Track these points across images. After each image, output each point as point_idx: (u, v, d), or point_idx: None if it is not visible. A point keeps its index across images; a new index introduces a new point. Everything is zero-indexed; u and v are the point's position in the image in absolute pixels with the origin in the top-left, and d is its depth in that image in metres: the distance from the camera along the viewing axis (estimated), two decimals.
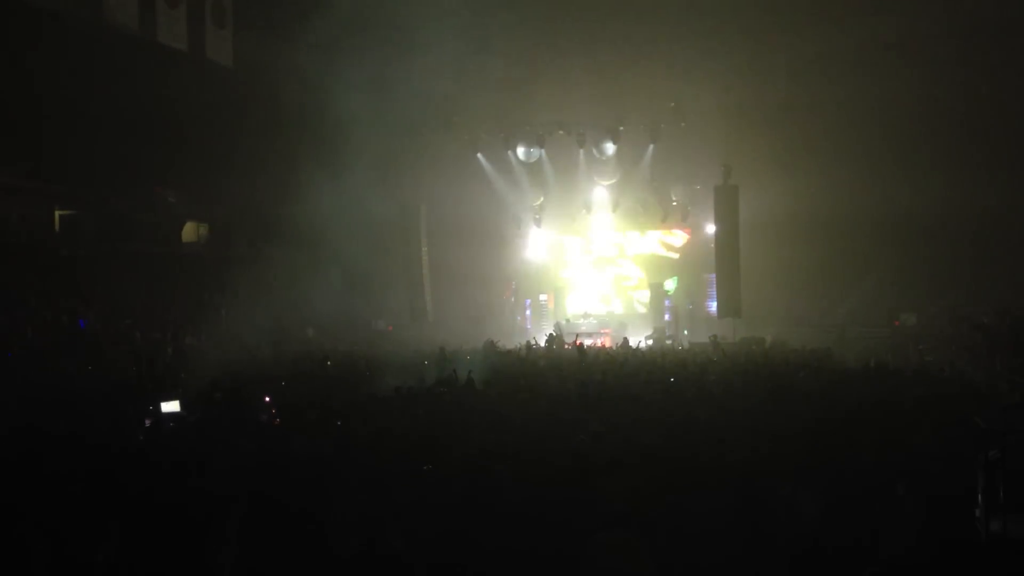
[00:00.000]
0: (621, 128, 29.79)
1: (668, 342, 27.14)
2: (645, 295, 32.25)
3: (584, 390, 12.11)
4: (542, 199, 32.53)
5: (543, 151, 30.95)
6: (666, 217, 31.70)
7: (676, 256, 32.26)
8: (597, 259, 33.46)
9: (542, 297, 33.03)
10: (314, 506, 5.96)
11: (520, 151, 31.09)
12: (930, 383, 13.02)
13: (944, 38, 23.10)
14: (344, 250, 23.72)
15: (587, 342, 25.32)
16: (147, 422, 9.69)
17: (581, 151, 30.77)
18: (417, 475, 6.65)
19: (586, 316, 31.45)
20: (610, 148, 30.28)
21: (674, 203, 31.26)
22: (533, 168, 31.61)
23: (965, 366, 16.58)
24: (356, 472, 6.81)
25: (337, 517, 5.87)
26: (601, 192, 32.09)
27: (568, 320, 30.68)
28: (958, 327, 20.76)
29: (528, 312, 32.98)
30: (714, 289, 29.33)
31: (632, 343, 24.69)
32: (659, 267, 32.39)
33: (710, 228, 29.67)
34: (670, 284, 31.40)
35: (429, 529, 5.56)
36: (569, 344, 24.85)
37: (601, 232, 33.10)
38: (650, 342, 27.00)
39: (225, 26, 25.10)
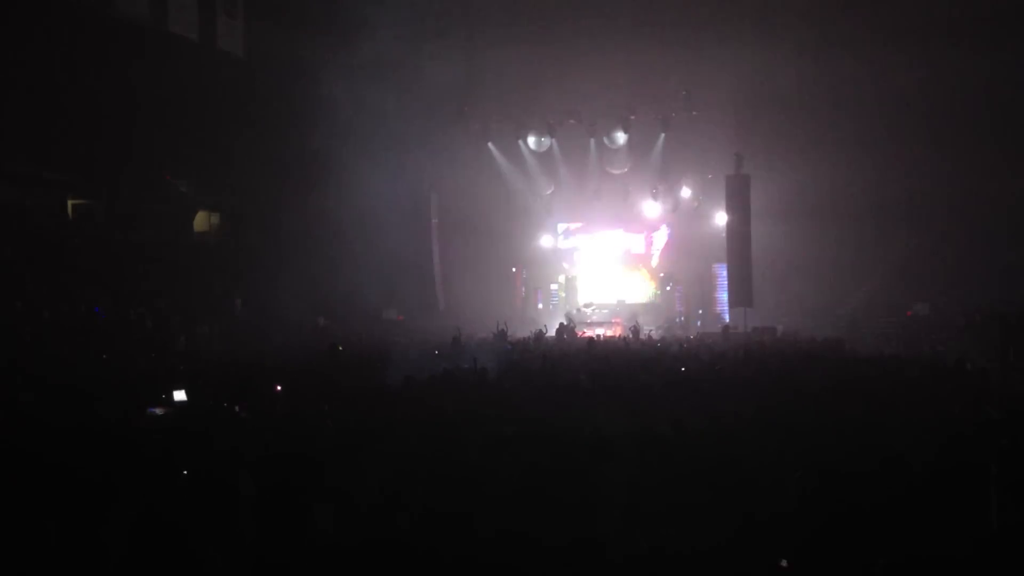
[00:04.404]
0: (632, 117, 29.72)
1: (679, 332, 27.08)
2: (656, 285, 32.18)
3: (595, 381, 12.07)
4: (553, 188, 32.48)
5: (554, 140, 30.92)
6: (677, 207, 31.58)
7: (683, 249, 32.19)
8: (608, 249, 33.36)
9: (553, 287, 33.03)
10: (320, 494, 5.98)
11: (531, 140, 31.08)
12: (943, 374, 12.93)
13: (957, 23, 22.84)
14: (355, 239, 23.77)
15: (598, 331, 25.27)
16: (158, 411, 9.72)
17: (592, 140, 30.73)
18: (425, 464, 6.65)
19: (596, 306, 31.39)
20: (621, 137, 30.24)
21: (685, 192, 31.15)
22: (544, 157, 31.60)
23: (978, 357, 16.45)
24: (364, 461, 6.82)
25: (344, 505, 5.89)
26: (612, 181, 32.01)
27: (579, 310, 30.62)
28: (971, 317, 20.60)
29: (539, 302, 32.97)
30: (725, 279, 29.19)
31: (643, 333, 24.62)
32: (669, 257, 32.30)
33: (721, 217, 29.51)
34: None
35: (436, 517, 5.57)
36: (581, 332, 24.82)
37: (612, 221, 32.98)
38: (661, 332, 26.93)
39: (236, 16, 25.13)
